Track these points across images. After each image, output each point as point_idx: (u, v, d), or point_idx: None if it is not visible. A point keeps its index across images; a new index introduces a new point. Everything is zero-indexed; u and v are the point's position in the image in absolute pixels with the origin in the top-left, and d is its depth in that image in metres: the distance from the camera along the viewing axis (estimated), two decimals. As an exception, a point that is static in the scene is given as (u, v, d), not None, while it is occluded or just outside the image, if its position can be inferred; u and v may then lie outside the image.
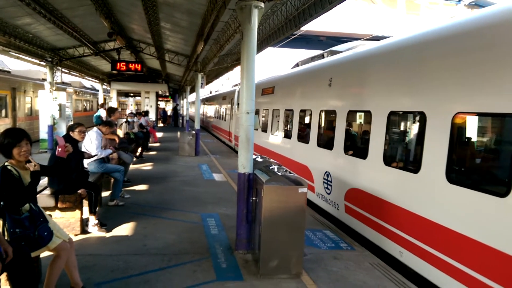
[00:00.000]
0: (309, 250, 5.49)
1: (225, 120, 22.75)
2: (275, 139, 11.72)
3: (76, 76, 24.43)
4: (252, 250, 5.23)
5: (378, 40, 7.57)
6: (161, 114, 38.63)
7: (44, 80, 16.87)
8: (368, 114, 6.28)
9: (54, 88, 15.55)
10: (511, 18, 4.00)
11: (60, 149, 4.22)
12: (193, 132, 15.74)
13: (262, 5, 5.14)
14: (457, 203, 4.28)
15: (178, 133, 16.42)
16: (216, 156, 15.50)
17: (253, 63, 5.21)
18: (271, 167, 5.16)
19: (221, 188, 9.59)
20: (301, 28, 10.11)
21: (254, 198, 5.14)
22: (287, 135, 10.45)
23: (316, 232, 6.39)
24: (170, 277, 4.53)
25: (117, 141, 8.81)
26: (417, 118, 5.15)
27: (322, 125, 8.25)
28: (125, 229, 6.14)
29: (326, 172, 7.60)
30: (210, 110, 32.20)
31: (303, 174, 8.40)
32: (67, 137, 5.69)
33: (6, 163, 3.51)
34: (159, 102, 37.99)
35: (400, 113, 5.62)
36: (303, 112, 9.35)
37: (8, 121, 15.75)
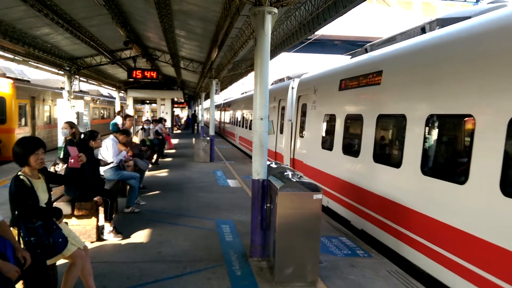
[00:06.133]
0: (325, 257, 5.40)
1: (220, 121, 34.48)
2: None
3: (93, 84, 24.85)
4: (267, 257, 5.18)
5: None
6: (176, 120, 39.66)
7: (62, 88, 17.22)
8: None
9: (72, 97, 15.84)
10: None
11: (73, 160, 4.22)
12: (208, 138, 15.80)
13: (276, 10, 5.12)
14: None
15: (193, 139, 16.50)
16: (231, 162, 15.50)
17: (267, 69, 5.19)
18: (285, 173, 5.10)
19: (236, 194, 9.57)
20: (316, 33, 10.05)
21: (268, 205, 5.09)
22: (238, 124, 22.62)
23: (332, 239, 6.30)
24: (185, 285, 4.51)
25: (129, 154, 8.74)
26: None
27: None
28: (140, 236, 6.16)
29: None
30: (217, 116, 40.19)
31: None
32: (83, 146, 5.76)
33: (19, 173, 3.56)
34: (174, 109, 38.50)
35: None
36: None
37: (27, 130, 16.06)
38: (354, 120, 7.49)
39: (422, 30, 6.63)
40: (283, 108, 12.31)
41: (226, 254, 5.49)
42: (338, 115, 8.09)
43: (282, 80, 14.30)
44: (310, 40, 21.75)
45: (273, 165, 5.72)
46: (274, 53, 12.07)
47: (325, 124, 8.88)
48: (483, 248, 4.07)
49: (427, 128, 5.23)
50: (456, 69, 4.90)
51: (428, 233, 4.97)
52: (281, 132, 12.56)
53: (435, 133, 5.27)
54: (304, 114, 10.24)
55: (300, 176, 4.95)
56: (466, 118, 4.60)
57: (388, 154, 6.46)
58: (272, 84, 15.28)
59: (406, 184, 5.62)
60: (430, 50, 5.57)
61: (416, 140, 5.40)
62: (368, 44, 8.53)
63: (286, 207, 4.50)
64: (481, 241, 4.10)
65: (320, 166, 8.89)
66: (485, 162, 4.18)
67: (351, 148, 7.57)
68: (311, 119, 9.68)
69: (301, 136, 10.42)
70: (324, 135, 8.93)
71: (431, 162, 5.24)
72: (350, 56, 9.35)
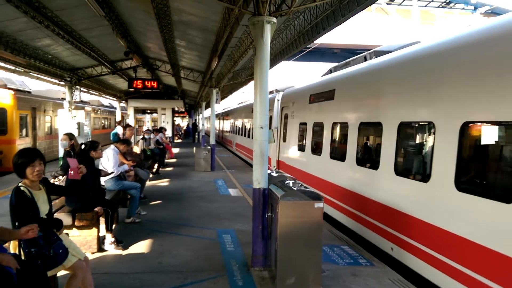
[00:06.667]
0: (326, 266, 5.37)
1: (218, 129, 37.35)
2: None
3: (94, 94, 24.94)
4: (269, 267, 5.15)
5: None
6: (177, 129, 39.87)
7: (63, 99, 17.27)
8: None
9: (73, 107, 15.88)
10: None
11: (72, 172, 4.16)
12: (209, 147, 15.79)
13: (275, 20, 5.16)
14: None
15: (194, 148, 16.50)
16: (232, 171, 15.49)
17: (267, 78, 5.21)
18: (286, 182, 5.09)
19: (237, 203, 9.54)
20: (315, 42, 10.14)
21: (269, 214, 5.07)
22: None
23: (333, 247, 6.26)
24: (186, 296, 4.48)
25: (130, 163, 8.56)
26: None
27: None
28: (141, 247, 6.13)
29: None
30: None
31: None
32: (84, 156, 5.76)
33: (19, 184, 3.55)
34: (175, 118, 38.68)
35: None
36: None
37: (28, 140, 16.08)
38: (318, 127, 9.36)
39: (365, 58, 8.55)
40: (271, 117, 13.96)
41: (227, 264, 5.46)
42: (308, 123, 10.03)
43: (272, 92, 15.42)
44: (310, 49, 21.86)
45: (274, 174, 5.72)
46: (273, 62, 12.13)
47: (299, 130, 10.77)
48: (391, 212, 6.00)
49: (359, 132, 7.27)
50: (370, 91, 7.17)
51: (354, 203, 7.23)
52: None
53: (363, 135, 7.31)
54: (286, 122, 12.26)
55: (301, 185, 4.94)
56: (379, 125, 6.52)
57: (338, 152, 8.27)
58: None
59: (349, 172, 7.57)
60: (356, 77, 8.07)
61: (353, 141, 7.41)
62: (333, 66, 10.55)
63: (287, 216, 4.49)
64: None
65: (297, 165, 10.85)
66: (387, 155, 6.20)
67: (317, 149, 9.47)
68: (290, 127, 11.63)
69: (284, 141, 12.35)
70: (299, 139, 10.80)
71: (361, 156, 7.32)
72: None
